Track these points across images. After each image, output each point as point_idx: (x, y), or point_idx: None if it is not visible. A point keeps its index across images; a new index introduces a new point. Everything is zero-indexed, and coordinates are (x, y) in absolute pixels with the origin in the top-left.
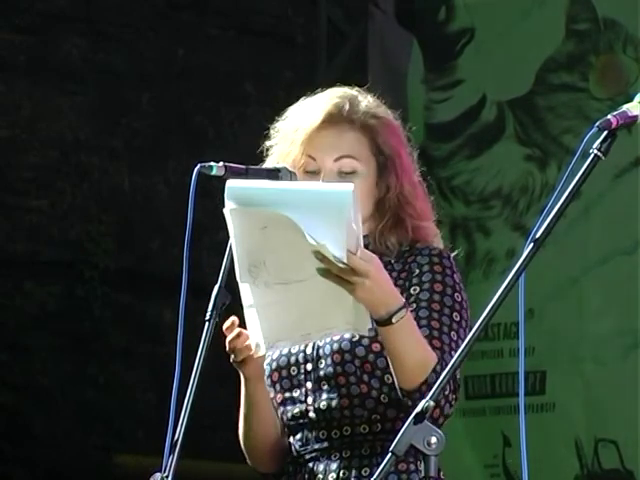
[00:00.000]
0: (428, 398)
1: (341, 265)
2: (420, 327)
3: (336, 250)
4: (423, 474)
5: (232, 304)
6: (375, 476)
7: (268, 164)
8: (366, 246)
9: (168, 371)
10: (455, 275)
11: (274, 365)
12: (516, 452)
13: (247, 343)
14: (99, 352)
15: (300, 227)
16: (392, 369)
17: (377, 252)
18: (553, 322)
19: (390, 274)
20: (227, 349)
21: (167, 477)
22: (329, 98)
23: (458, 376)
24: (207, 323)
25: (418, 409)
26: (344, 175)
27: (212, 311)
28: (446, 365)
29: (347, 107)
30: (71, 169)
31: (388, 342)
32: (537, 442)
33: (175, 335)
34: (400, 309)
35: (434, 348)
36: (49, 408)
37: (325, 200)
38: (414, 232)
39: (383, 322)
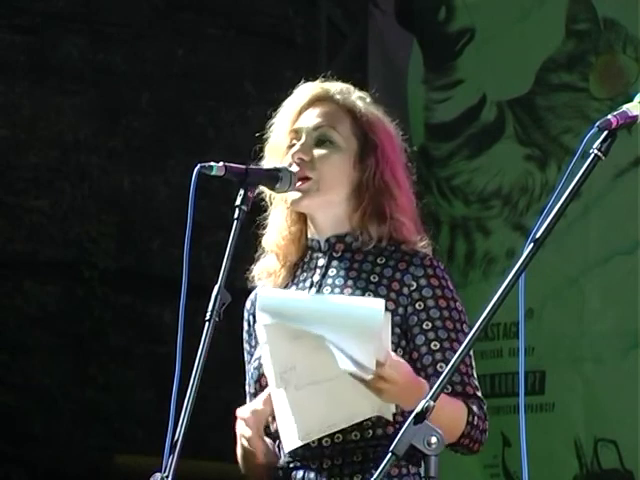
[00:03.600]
0: (428, 398)
1: (370, 376)
2: (445, 350)
3: (366, 362)
4: (423, 474)
5: (232, 304)
6: (375, 476)
7: (265, 155)
8: (343, 237)
9: (168, 371)
10: (449, 283)
11: (262, 370)
12: (516, 452)
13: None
14: (99, 352)
15: (332, 350)
16: None
17: (356, 242)
18: (553, 322)
19: (380, 281)
20: (243, 438)
21: (167, 477)
22: (319, 83)
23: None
24: (207, 323)
25: (418, 409)
26: (321, 145)
27: (212, 311)
28: (475, 387)
29: (334, 89)
30: (71, 169)
31: None
32: (537, 442)
33: (175, 335)
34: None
35: (460, 372)
36: (49, 408)
37: (357, 317)
38: (395, 228)
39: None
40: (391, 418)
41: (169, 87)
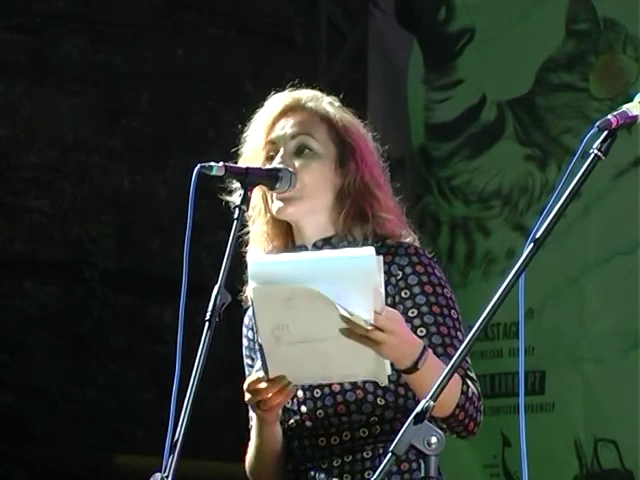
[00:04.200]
0: (428, 398)
1: (369, 327)
2: (432, 334)
3: (364, 313)
4: (423, 474)
5: (232, 304)
6: (375, 476)
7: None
8: (329, 239)
9: (168, 371)
10: (436, 270)
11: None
12: (516, 452)
13: (275, 391)
14: (99, 352)
15: (330, 300)
16: None
17: (343, 243)
18: (553, 322)
19: None
20: (250, 398)
21: (167, 477)
22: (290, 93)
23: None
24: (207, 323)
25: (418, 409)
26: (301, 154)
27: (212, 311)
28: (467, 368)
29: (305, 97)
30: (71, 169)
31: (415, 385)
32: (537, 442)
33: (175, 335)
34: (422, 353)
35: (450, 356)
36: (49, 408)
37: (349, 266)
38: (379, 225)
39: (408, 370)
40: (386, 381)
41: (169, 87)
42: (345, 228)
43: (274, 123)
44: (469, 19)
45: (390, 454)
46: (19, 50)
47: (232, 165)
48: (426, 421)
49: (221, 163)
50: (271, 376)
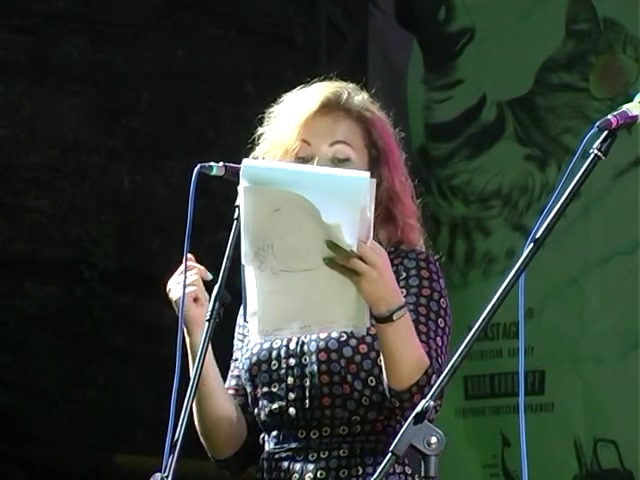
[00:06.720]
0: (428, 398)
1: (350, 249)
2: None
3: (347, 236)
4: (423, 474)
5: (232, 304)
6: (375, 476)
7: (258, 151)
8: None
9: (168, 371)
10: (441, 280)
11: (254, 359)
12: (515, 452)
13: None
14: (99, 352)
15: (314, 206)
16: (385, 368)
17: None
18: (553, 322)
19: None
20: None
21: (167, 477)
22: (327, 86)
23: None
24: (207, 323)
25: (418, 409)
26: (337, 162)
27: (212, 311)
28: (437, 369)
29: (344, 96)
30: (71, 169)
31: (385, 340)
32: (536, 442)
33: (175, 335)
34: (401, 307)
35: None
36: (49, 408)
37: (341, 185)
38: (402, 230)
39: (383, 319)
40: (364, 332)
41: (169, 87)
42: (373, 232)
43: (309, 119)
44: (469, 19)
45: (390, 454)
46: (19, 50)
47: (232, 165)
48: (426, 421)
49: (221, 163)
50: (249, 310)
